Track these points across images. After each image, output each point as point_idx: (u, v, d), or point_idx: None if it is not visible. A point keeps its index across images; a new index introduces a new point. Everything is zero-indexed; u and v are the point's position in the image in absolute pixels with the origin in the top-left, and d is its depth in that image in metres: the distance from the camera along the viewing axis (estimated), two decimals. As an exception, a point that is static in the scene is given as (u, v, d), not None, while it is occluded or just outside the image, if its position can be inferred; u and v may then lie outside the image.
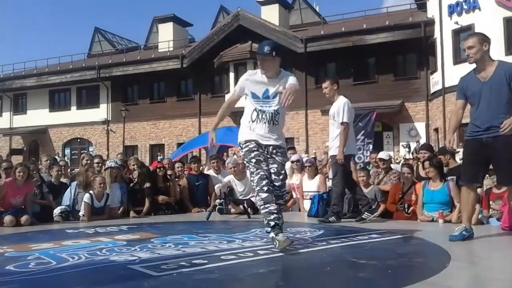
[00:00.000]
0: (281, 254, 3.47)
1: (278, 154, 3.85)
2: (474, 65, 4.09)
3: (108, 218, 6.40)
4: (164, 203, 7.12)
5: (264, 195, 3.64)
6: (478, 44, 3.96)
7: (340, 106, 5.51)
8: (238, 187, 7.12)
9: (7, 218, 5.60)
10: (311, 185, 6.95)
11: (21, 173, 5.83)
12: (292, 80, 3.82)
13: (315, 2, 29.59)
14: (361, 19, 21.43)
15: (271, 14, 23.82)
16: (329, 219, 5.51)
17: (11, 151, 25.51)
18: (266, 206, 3.63)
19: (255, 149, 3.80)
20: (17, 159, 17.48)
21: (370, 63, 21.57)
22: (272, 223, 3.58)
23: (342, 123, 5.42)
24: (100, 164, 7.42)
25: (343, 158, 5.40)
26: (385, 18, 20.65)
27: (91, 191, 6.37)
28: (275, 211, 3.62)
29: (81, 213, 6.33)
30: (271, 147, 3.84)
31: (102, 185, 6.39)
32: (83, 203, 6.30)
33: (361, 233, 4.54)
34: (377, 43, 19.94)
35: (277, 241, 3.50)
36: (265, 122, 3.81)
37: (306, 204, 6.79)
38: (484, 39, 3.99)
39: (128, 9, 78.84)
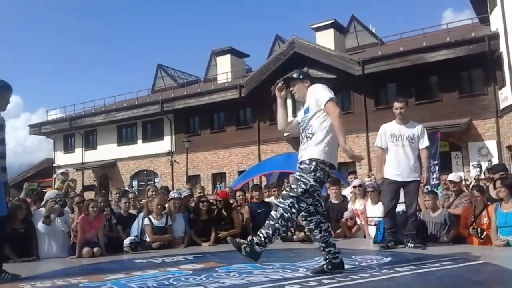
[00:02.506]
0: (347, 283, 3.38)
1: (298, 169, 3.72)
2: None
3: (172, 242, 6.70)
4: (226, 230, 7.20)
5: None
6: None
7: (422, 130, 5.52)
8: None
9: (85, 250, 5.92)
10: (375, 210, 6.75)
11: (93, 208, 6.15)
12: (315, 96, 3.85)
13: (371, 24, 29.39)
14: (420, 37, 20.90)
15: (326, 39, 23.86)
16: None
17: (83, 188, 26.96)
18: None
19: None
20: (89, 194, 18.40)
21: (432, 81, 20.89)
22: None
23: (427, 147, 5.46)
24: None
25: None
26: (446, 35, 20.02)
27: (149, 215, 6.72)
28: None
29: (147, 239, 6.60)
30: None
31: (159, 206, 6.77)
32: (145, 227, 6.63)
33: (432, 260, 4.33)
34: (438, 61, 19.31)
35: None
36: (305, 141, 3.82)
37: (371, 230, 6.60)
38: None
39: (188, 45, 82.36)
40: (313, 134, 3.75)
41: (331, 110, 3.71)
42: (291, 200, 3.53)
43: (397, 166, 5.41)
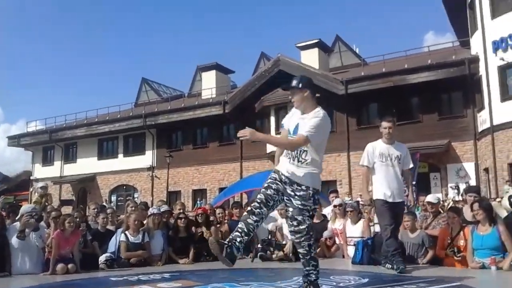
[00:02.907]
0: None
1: (296, 196, 3.60)
2: None
3: (149, 259, 6.57)
4: (205, 248, 7.10)
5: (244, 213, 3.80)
6: None
7: (407, 151, 5.55)
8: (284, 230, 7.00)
9: (59, 266, 5.77)
10: (354, 230, 6.77)
11: (69, 224, 6.02)
12: (307, 121, 3.59)
13: (355, 44, 29.87)
14: (402, 59, 21.33)
15: (311, 58, 24.15)
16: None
17: (61, 202, 26.45)
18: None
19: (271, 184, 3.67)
20: (67, 209, 18.04)
21: (413, 102, 21.24)
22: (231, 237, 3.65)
23: (410, 169, 5.51)
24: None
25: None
26: (427, 57, 20.45)
27: (126, 231, 6.62)
28: (239, 230, 3.66)
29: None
30: (287, 186, 3.64)
31: (136, 222, 6.69)
32: (120, 243, 6.54)
33: (409, 281, 4.33)
34: (419, 83, 19.69)
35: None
36: (289, 158, 3.68)
37: (350, 250, 6.60)
38: None
39: (173, 60, 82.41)
40: (306, 160, 3.63)
41: (296, 138, 3.60)
42: (305, 229, 3.60)
43: (388, 187, 5.33)
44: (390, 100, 20.54)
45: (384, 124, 5.53)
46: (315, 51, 24.61)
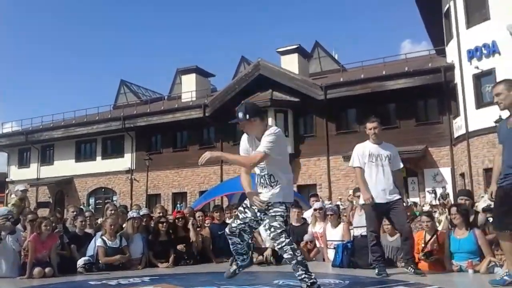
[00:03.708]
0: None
1: (271, 211, 3.77)
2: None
3: (128, 263, 6.51)
4: (185, 251, 7.08)
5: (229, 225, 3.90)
6: (505, 91, 4.00)
7: (396, 151, 5.54)
8: (263, 234, 7.04)
9: (36, 270, 5.69)
10: (334, 233, 6.84)
11: (46, 227, 5.93)
12: (264, 138, 3.72)
13: (333, 50, 30.22)
14: (380, 66, 21.68)
15: (290, 63, 24.32)
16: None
17: (38, 204, 25.94)
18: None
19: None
20: (43, 211, 17.72)
21: (390, 108, 21.57)
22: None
23: (400, 168, 5.48)
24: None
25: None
26: (404, 65, 20.84)
27: (103, 236, 6.57)
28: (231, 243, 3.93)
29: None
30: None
31: (112, 226, 6.63)
32: (98, 248, 6.46)
33: (389, 284, 4.41)
34: (397, 89, 20.03)
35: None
36: (263, 187, 3.83)
37: (331, 254, 6.66)
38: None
39: (153, 62, 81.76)
40: (276, 181, 3.78)
41: (254, 155, 3.75)
42: (283, 234, 3.67)
43: (379, 186, 5.29)
44: (368, 106, 20.79)
45: (368, 125, 5.56)
46: (295, 56, 24.81)
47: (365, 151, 5.47)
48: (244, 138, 3.98)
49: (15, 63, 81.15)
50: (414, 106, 20.86)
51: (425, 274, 5.03)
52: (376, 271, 5.19)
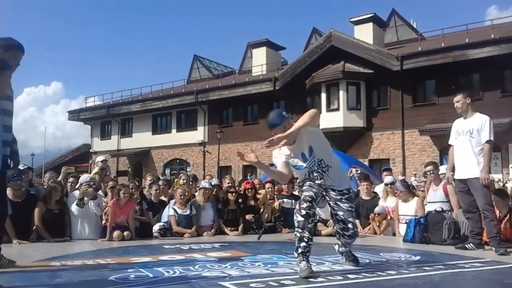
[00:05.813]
0: (372, 279, 3.33)
1: (343, 199, 3.78)
2: None
3: (198, 230, 6.78)
4: (254, 221, 7.22)
5: (301, 219, 3.49)
6: None
7: (484, 123, 5.17)
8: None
9: (116, 233, 6.08)
10: (407, 208, 6.62)
11: (124, 194, 6.28)
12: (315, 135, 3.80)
13: (412, 18, 28.65)
14: (463, 34, 20.22)
15: (365, 33, 23.41)
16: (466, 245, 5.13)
17: (118, 173, 27.61)
18: (299, 231, 3.49)
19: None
20: (123, 179, 18.85)
21: (473, 79, 20.17)
22: (299, 250, 3.48)
23: (488, 141, 5.06)
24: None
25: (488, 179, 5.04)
26: (490, 32, 19.27)
27: (174, 206, 6.85)
28: (306, 239, 3.47)
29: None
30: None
31: (182, 196, 6.89)
32: (170, 218, 6.79)
33: (462, 261, 4.20)
34: (481, 58, 18.65)
35: (299, 268, 3.45)
36: (320, 174, 3.74)
37: (402, 228, 6.47)
38: None
39: (225, 37, 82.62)
40: (328, 166, 3.72)
41: (308, 114, 3.70)
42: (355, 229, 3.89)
43: (457, 164, 5.24)
44: (449, 77, 19.63)
45: (454, 100, 5.45)
46: (369, 25, 23.81)
47: (454, 127, 5.42)
48: (276, 154, 3.91)
49: (105, 48, 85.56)
50: (500, 76, 19.32)
51: (509, 253, 4.74)
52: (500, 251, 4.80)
